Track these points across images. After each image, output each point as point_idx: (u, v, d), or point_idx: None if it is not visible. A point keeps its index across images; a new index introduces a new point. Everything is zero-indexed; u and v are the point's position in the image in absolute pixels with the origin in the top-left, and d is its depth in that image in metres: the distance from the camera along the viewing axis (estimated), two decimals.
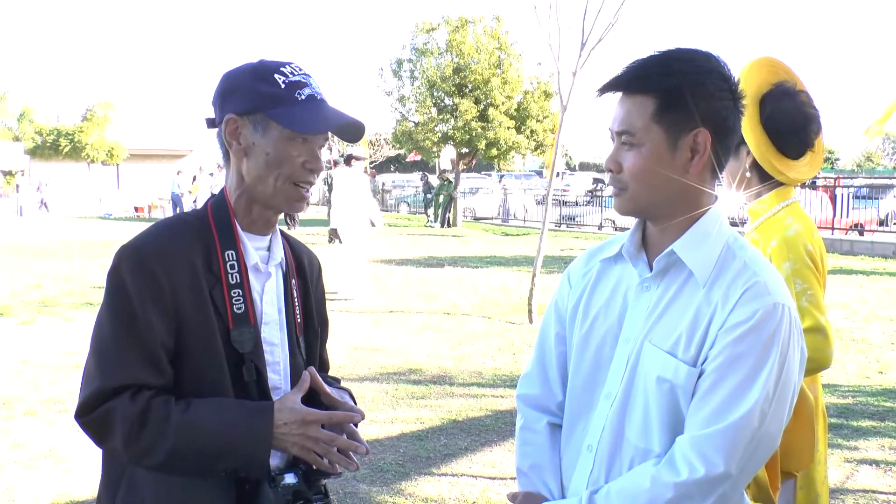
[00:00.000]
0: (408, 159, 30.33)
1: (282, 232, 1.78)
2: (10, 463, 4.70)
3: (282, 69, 1.61)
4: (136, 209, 32.79)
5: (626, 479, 1.47)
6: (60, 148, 34.38)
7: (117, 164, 36.30)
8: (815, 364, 2.29)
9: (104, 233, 20.98)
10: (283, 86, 1.59)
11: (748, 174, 2.42)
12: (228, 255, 1.61)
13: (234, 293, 1.59)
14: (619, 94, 1.51)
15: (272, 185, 1.61)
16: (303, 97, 1.60)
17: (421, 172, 34.10)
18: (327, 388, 1.66)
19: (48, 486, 4.36)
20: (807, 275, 2.28)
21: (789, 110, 2.40)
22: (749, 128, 2.36)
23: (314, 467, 1.62)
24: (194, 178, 27.67)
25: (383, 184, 35.75)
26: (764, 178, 2.44)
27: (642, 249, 1.58)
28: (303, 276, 1.80)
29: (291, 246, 1.81)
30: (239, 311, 1.59)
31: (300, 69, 1.64)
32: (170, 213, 28.84)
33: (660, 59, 1.49)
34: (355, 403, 1.76)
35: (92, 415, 1.50)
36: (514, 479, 1.74)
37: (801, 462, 2.37)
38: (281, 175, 1.60)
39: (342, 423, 1.62)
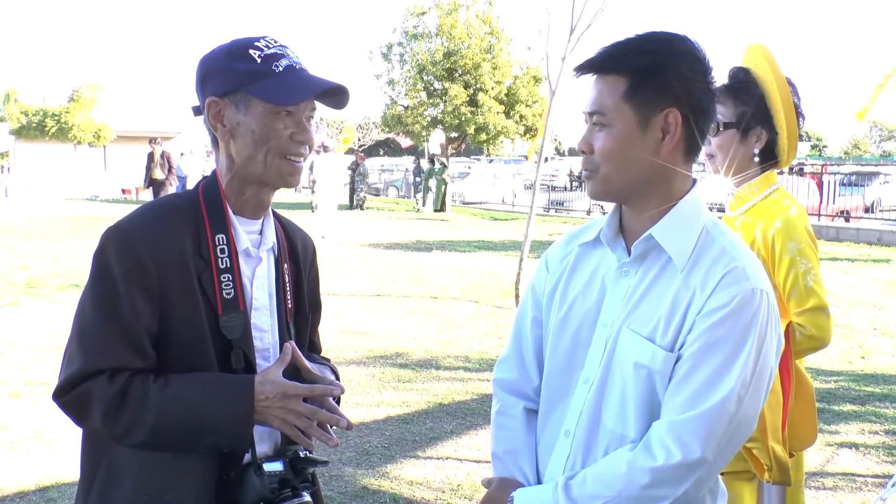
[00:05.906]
0: (402, 145, 30.14)
1: (276, 215, 1.75)
2: None
3: (256, 44, 1.57)
4: (124, 191, 32.47)
5: (602, 464, 1.47)
6: (46, 129, 33.95)
7: (104, 146, 35.92)
8: (819, 342, 2.33)
9: (91, 214, 20.83)
10: (258, 60, 1.55)
11: (756, 159, 2.41)
12: (218, 238, 1.57)
13: (224, 278, 1.56)
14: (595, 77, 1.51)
15: (262, 162, 1.58)
16: (280, 69, 1.56)
17: (413, 157, 33.89)
18: (307, 363, 1.64)
19: (33, 468, 4.36)
20: (810, 254, 2.31)
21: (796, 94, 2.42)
22: (785, 110, 2.35)
23: (301, 455, 1.60)
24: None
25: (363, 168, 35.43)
26: (764, 163, 2.43)
27: (620, 234, 1.58)
28: (296, 259, 1.76)
29: (286, 229, 1.78)
30: (228, 297, 1.56)
31: (275, 41, 1.60)
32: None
33: (633, 40, 1.50)
34: (337, 378, 1.74)
35: (70, 395, 1.49)
36: None
37: (805, 442, 2.42)
38: (270, 150, 1.57)
39: (323, 397, 1.61)
